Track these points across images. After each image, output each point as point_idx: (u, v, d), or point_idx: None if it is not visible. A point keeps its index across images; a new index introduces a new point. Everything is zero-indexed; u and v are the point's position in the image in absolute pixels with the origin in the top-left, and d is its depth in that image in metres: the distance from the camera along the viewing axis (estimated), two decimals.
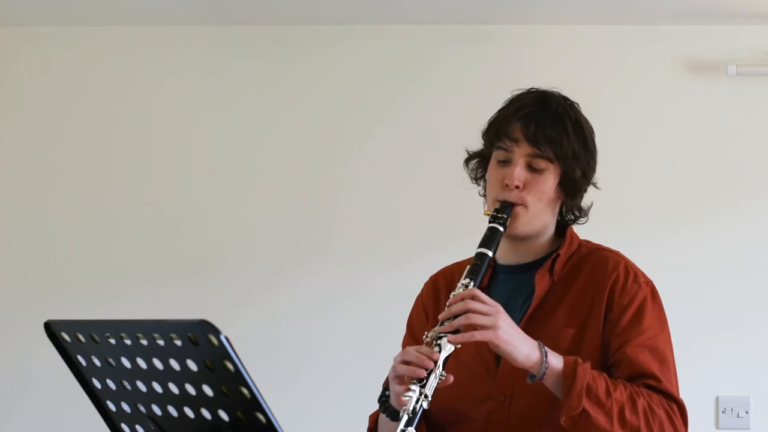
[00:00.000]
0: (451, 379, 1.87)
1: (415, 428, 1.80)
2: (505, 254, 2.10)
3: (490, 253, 1.97)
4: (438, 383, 1.84)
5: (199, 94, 3.88)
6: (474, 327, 1.85)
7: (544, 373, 1.85)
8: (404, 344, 2.18)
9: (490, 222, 2.00)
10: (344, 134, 3.84)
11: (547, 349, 1.87)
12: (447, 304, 1.91)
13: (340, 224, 3.82)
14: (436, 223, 3.73)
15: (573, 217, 2.11)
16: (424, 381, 1.82)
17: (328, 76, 3.87)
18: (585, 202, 2.12)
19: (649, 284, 2.03)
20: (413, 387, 1.82)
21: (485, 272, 1.97)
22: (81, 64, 3.90)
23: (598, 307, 1.98)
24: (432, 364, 1.84)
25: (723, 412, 3.68)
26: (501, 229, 1.99)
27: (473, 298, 1.87)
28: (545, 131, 2.00)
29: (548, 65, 3.76)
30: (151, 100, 3.89)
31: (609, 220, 3.57)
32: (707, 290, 3.71)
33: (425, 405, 1.81)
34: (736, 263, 3.72)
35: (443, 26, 3.81)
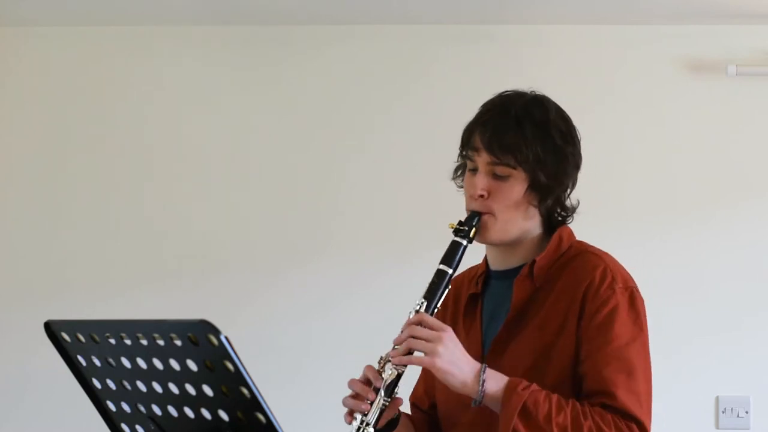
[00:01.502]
0: (402, 401, 1.94)
1: None
2: (494, 260, 2.09)
3: (450, 270, 1.96)
4: (384, 408, 1.89)
5: (199, 93, 3.88)
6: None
7: (481, 400, 1.86)
8: None
9: (454, 234, 1.99)
10: (344, 134, 3.84)
11: (486, 376, 1.85)
12: (402, 328, 1.92)
13: (340, 224, 3.82)
14: (436, 223, 3.68)
15: (560, 218, 2.06)
16: (367, 411, 1.89)
17: (328, 76, 3.87)
18: (572, 200, 2.06)
19: (628, 290, 1.95)
20: (356, 416, 1.89)
21: (443, 292, 1.96)
22: (81, 64, 3.90)
23: (573, 313, 1.93)
24: (373, 395, 1.89)
25: (723, 412, 3.67)
26: (463, 242, 1.97)
27: (419, 322, 1.89)
28: (502, 138, 1.96)
29: (548, 65, 3.76)
30: (150, 99, 3.89)
31: (609, 220, 3.59)
32: (707, 290, 3.71)
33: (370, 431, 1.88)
34: (736, 263, 3.72)
35: (443, 26, 3.82)
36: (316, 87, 3.86)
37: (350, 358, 3.66)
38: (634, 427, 1.87)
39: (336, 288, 3.77)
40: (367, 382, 1.91)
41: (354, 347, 3.70)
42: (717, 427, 3.68)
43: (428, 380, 2.17)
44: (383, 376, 1.90)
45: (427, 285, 1.96)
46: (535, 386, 1.85)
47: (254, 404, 1.50)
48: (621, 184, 3.72)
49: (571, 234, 2.07)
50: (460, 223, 2.00)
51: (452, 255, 1.97)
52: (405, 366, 1.90)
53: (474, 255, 2.08)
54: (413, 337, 1.86)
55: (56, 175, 3.87)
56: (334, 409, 3.77)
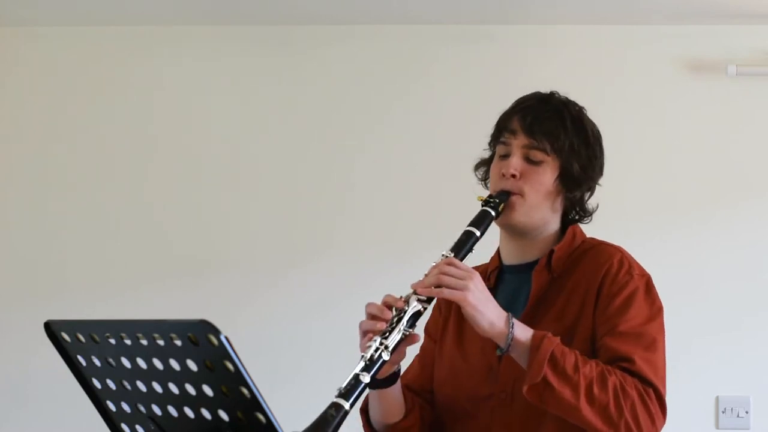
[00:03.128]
0: (419, 337, 1.89)
1: (372, 377, 1.78)
2: (510, 254, 2.11)
3: (478, 233, 1.97)
4: (402, 338, 1.83)
5: (199, 93, 3.89)
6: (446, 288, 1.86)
7: (509, 345, 1.85)
8: (422, 347, 2.19)
9: (482, 206, 2.01)
10: (344, 134, 3.84)
11: (515, 321, 1.86)
12: (425, 274, 1.91)
13: (340, 224, 3.82)
14: (436, 223, 3.73)
15: (577, 217, 2.11)
16: (386, 333, 1.83)
17: (328, 76, 3.87)
18: (591, 203, 2.12)
19: (645, 277, 2.02)
20: (375, 338, 1.83)
21: (469, 249, 1.96)
22: (81, 64, 3.91)
23: (590, 298, 1.98)
24: (390, 314, 1.85)
25: (723, 412, 3.67)
26: (492, 213, 1.99)
27: (450, 264, 1.88)
28: (542, 123, 2.02)
29: (548, 65, 3.76)
30: (150, 100, 3.89)
31: (609, 220, 3.54)
32: (707, 290, 3.71)
33: (385, 356, 1.80)
34: (736, 263, 3.72)
35: (443, 26, 3.82)
36: (316, 87, 3.86)
37: (350, 358, 3.69)
38: (651, 392, 1.90)
39: (336, 288, 3.77)
40: (387, 307, 1.88)
41: (354, 347, 3.66)
42: (717, 427, 3.68)
43: (427, 366, 2.16)
44: (406, 307, 1.86)
45: (453, 242, 1.96)
46: (559, 339, 1.87)
47: (254, 404, 1.50)
48: (621, 184, 3.71)
49: (582, 231, 2.12)
50: (490, 196, 2.02)
51: (480, 221, 1.98)
52: (429, 304, 1.87)
53: (479, 254, 2.07)
54: (443, 273, 1.86)
55: (56, 175, 3.87)
56: None
